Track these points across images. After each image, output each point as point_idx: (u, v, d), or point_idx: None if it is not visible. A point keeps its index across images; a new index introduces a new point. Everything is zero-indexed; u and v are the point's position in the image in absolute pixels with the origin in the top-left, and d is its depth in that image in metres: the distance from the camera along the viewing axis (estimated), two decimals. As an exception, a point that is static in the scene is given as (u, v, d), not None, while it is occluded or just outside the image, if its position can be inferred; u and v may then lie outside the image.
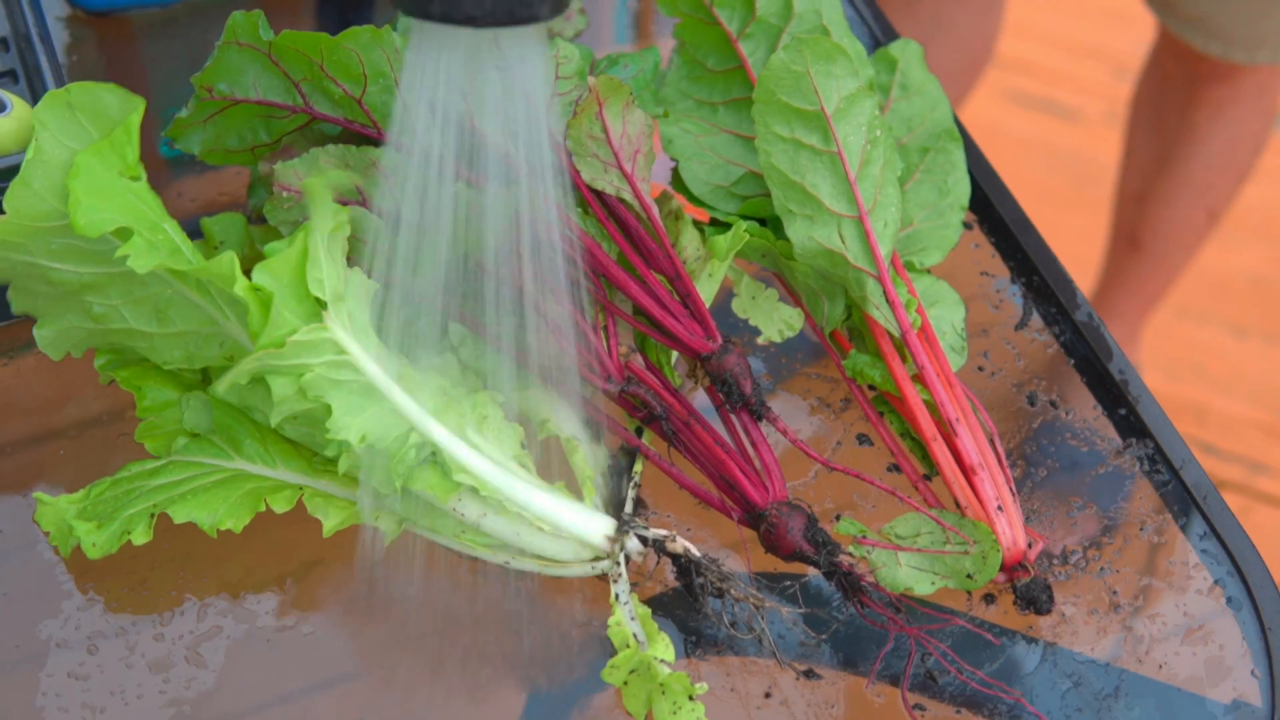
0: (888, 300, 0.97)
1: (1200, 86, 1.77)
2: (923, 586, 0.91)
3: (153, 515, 0.90)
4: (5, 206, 0.85)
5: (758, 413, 0.95)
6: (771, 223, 1.02)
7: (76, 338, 0.93)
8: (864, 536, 0.92)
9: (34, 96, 1.02)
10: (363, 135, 0.98)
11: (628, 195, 0.98)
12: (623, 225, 0.99)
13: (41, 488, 0.95)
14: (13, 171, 0.88)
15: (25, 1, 1.06)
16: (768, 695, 0.89)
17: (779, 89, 0.97)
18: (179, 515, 0.90)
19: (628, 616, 0.89)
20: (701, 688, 0.85)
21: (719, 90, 1.05)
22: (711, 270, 1.00)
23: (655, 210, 0.99)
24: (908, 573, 0.91)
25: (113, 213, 0.84)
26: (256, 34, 0.95)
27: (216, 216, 1.02)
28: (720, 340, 0.96)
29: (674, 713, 0.86)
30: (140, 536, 0.90)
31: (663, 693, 0.85)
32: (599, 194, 0.99)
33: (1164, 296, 2.00)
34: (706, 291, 1.00)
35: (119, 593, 0.92)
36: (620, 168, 0.98)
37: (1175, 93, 1.81)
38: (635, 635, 0.88)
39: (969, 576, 0.91)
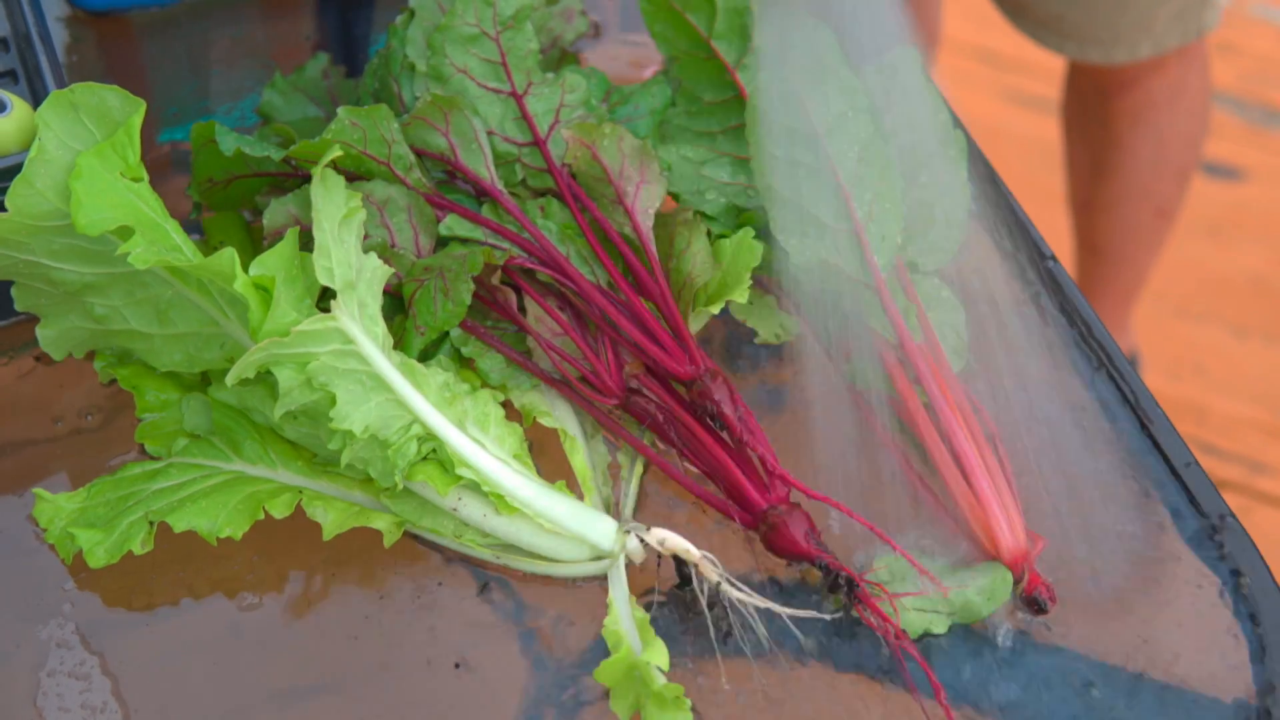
0: (885, 311, 0.98)
1: (1113, 98, 1.73)
2: (938, 625, 0.91)
3: (152, 524, 0.90)
4: (8, 204, 0.85)
5: (738, 440, 0.94)
6: (768, 231, 1.02)
7: (78, 338, 0.93)
8: (858, 590, 0.91)
9: (34, 96, 1.02)
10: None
11: (628, 230, 0.99)
12: (618, 252, 0.99)
13: (41, 486, 0.95)
14: (13, 171, 0.88)
15: (25, 1, 1.06)
16: (767, 695, 0.90)
17: (769, 108, 0.98)
18: (179, 524, 0.90)
19: (624, 618, 0.89)
20: (688, 702, 0.85)
21: (717, 120, 1.06)
22: (725, 297, 0.99)
23: (652, 244, 0.99)
24: (916, 616, 0.91)
25: (114, 213, 0.84)
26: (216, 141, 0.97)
27: (216, 216, 1.03)
28: (703, 367, 0.96)
29: None
30: (140, 547, 0.90)
31: (653, 700, 0.85)
32: (596, 222, 0.99)
33: (1138, 296, 2.00)
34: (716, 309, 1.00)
35: (119, 593, 0.92)
36: (622, 203, 0.99)
37: (1093, 106, 1.78)
38: (630, 637, 0.88)
39: (979, 607, 0.92)
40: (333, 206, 0.87)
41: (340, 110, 0.95)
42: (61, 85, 1.01)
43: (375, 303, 0.90)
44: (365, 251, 0.92)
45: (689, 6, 1.06)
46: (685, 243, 1.00)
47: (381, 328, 0.90)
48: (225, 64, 1.22)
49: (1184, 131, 1.78)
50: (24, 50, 1.05)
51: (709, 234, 1.02)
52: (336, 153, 0.91)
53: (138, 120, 0.87)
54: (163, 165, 1.13)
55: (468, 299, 0.94)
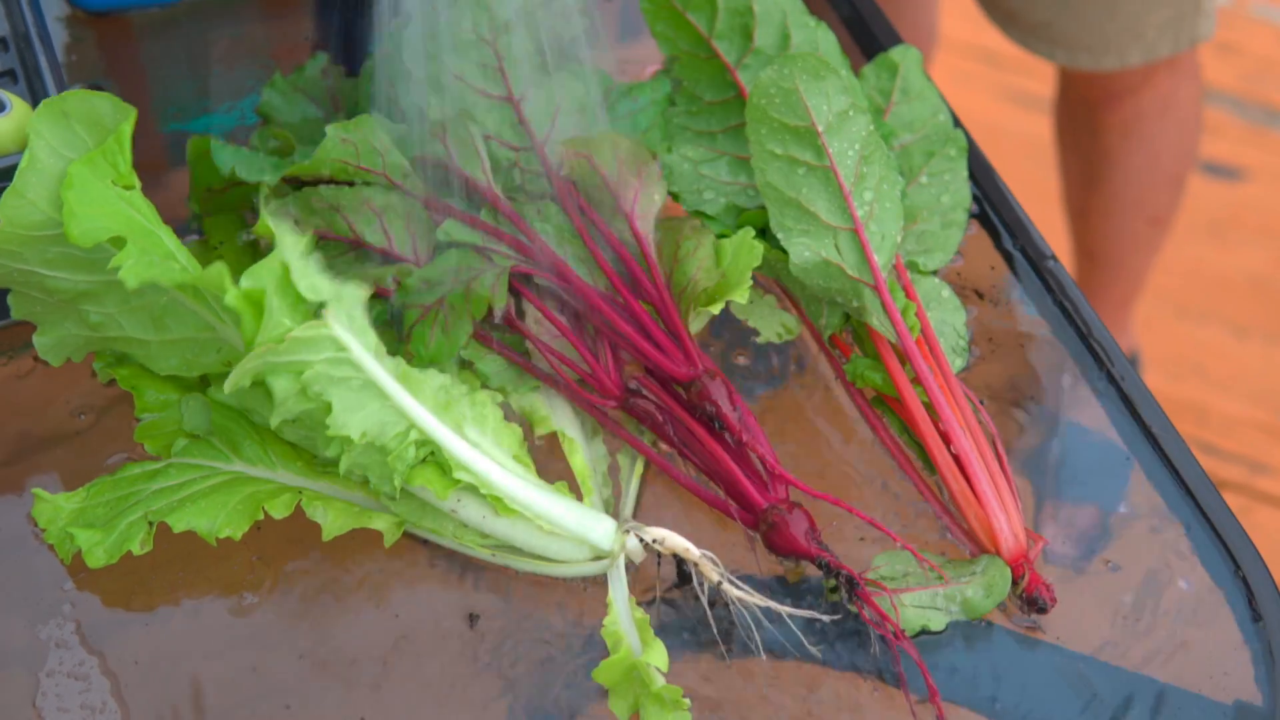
0: (885, 309, 0.98)
1: (1103, 111, 1.72)
2: (936, 623, 0.91)
3: (151, 524, 0.90)
4: (0, 214, 0.85)
5: (737, 440, 0.94)
6: (768, 231, 1.02)
7: (75, 344, 0.93)
8: (858, 588, 0.91)
9: (33, 96, 1.02)
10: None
11: (627, 235, 0.99)
12: (616, 255, 0.99)
13: (40, 485, 0.95)
14: (12, 171, 0.88)
15: (25, 1, 1.06)
16: (766, 695, 0.90)
17: (770, 106, 0.98)
18: (178, 524, 0.90)
19: (623, 618, 0.89)
20: (687, 703, 0.85)
21: (717, 119, 1.06)
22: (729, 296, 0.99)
23: (651, 249, 0.99)
24: (914, 613, 0.91)
25: (106, 222, 0.84)
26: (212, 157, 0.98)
27: (216, 216, 1.03)
28: (701, 368, 0.96)
29: None
30: (140, 547, 0.89)
31: (652, 701, 0.85)
32: (593, 225, 0.99)
33: (1136, 299, 1.99)
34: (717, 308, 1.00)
35: (118, 592, 0.92)
36: (621, 210, 0.98)
37: (1084, 118, 1.77)
38: (629, 638, 0.88)
39: (978, 604, 0.92)
40: (292, 242, 0.86)
41: (329, 129, 0.95)
42: (61, 85, 1.01)
43: (362, 318, 0.89)
44: (365, 255, 0.92)
45: (690, 6, 1.06)
46: (692, 247, 1.00)
47: (373, 336, 0.89)
48: (225, 64, 1.22)
49: (1176, 142, 1.77)
50: (23, 50, 1.05)
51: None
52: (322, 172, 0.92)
53: (129, 127, 0.87)
54: (160, 164, 1.13)
55: (463, 339, 0.94)
